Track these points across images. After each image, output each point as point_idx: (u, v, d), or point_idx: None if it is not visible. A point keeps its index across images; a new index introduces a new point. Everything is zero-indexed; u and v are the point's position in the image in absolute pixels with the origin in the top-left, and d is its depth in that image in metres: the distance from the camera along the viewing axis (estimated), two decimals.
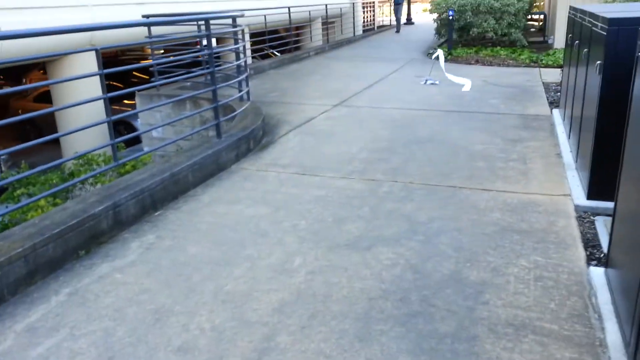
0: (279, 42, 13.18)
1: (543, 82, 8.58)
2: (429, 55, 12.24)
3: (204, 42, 4.82)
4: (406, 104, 6.98)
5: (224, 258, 2.92)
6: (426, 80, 8.61)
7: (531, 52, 11.73)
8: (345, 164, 4.49)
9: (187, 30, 7.56)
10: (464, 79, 8.46)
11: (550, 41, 13.24)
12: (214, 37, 10.41)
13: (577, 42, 4.64)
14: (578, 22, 4.70)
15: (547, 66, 10.24)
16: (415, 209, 3.48)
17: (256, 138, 5.04)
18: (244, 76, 5.66)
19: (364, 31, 19.28)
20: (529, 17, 16.54)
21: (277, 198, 3.75)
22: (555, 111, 6.07)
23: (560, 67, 10.26)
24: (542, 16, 17.43)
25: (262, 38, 12.12)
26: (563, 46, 12.45)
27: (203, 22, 4.77)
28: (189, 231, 3.30)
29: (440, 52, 8.56)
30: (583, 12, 4.40)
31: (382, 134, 5.41)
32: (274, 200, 3.71)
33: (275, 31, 15.52)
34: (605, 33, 3.26)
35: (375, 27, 21.04)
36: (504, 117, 6.05)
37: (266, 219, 3.39)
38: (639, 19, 3.20)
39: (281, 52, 14.72)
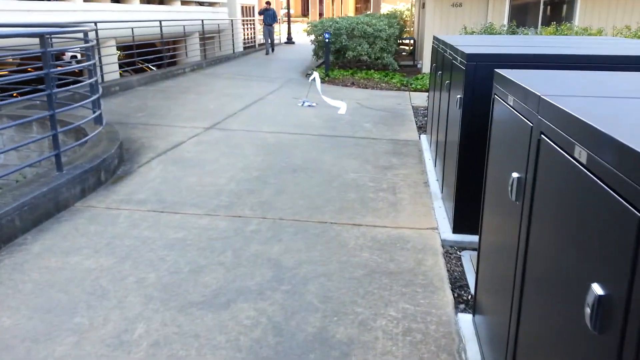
0: (151, 57, 12.33)
1: (412, 106, 8.87)
2: (307, 75, 12.23)
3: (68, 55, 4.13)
4: (282, 127, 6.72)
5: (45, 330, 2.34)
6: (303, 102, 8.47)
7: (402, 75, 12.23)
8: (212, 198, 4.06)
9: (31, 42, 6.62)
10: (340, 102, 8.46)
11: (419, 65, 13.98)
12: (72, 52, 9.35)
13: (439, 72, 4.71)
14: (440, 53, 4.78)
15: (416, 90, 10.70)
16: (282, 251, 3.17)
17: (109, 168, 4.42)
18: (95, 97, 4.99)
19: (244, 48, 18.93)
20: (400, 42, 17.44)
21: (125, 245, 3.21)
22: (423, 137, 6.20)
23: (427, 90, 10.79)
24: (412, 41, 18.50)
25: (132, 52, 11.25)
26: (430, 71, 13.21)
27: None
28: (7, 294, 2.65)
29: (316, 75, 8.49)
30: (444, 43, 4.47)
31: (255, 161, 5.07)
32: (121, 248, 3.17)
33: (152, 44, 14.60)
34: (464, 68, 3.25)
35: (257, 45, 20.81)
36: (376, 142, 6.04)
37: (108, 273, 2.85)
38: (495, 55, 3.22)
39: (158, 66, 13.84)
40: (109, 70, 9.91)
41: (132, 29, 10.05)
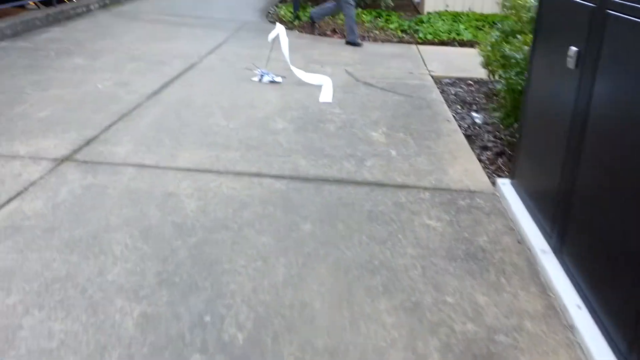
0: None
1: (432, 76, 5.56)
2: (268, 15, 8.54)
3: None
4: (218, 149, 3.37)
5: None
6: (262, 76, 5.02)
7: (399, 16, 8.70)
8: None
9: None
10: (321, 77, 5.04)
11: (416, 0, 10.34)
12: None
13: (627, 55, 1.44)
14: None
15: (425, 42, 7.30)
16: None
17: None
18: None
19: None
20: None
21: None
22: (504, 184, 2.95)
23: (442, 43, 7.40)
24: None
25: None
26: (435, 9, 9.64)
27: None
28: None
29: (281, 30, 4.97)
30: None
31: (118, 338, 1.82)
32: None
33: None
34: None
35: None
36: (410, 204, 2.79)
37: None
38: None
39: None
40: None
41: None
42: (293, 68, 5.06)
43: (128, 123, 3.76)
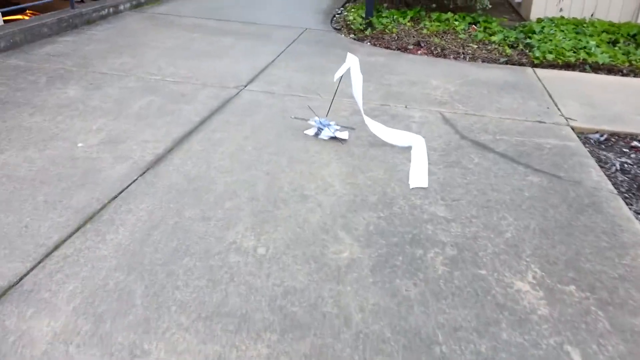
0: None
1: (572, 128, 3.62)
2: (333, 19, 6.76)
3: None
4: (228, 330, 1.70)
5: None
6: (318, 130, 3.29)
7: (500, 23, 6.67)
8: None
9: None
10: (407, 135, 3.24)
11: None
12: None
13: None
14: None
15: (542, 64, 5.27)
16: None
17: None
18: None
19: None
20: None
21: None
22: None
23: (568, 66, 5.34)
24: None
25: None
26: (546, 14, 7.42)
27: None
28: None
29: (353, 62, 3.17)
30: None
31: None
32: None
33: None
34: None
35: None
36: None
37: None
38: None
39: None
40: None
41: None
42: (367, 120, 3.29)
43: (88, 242, 2.16)
